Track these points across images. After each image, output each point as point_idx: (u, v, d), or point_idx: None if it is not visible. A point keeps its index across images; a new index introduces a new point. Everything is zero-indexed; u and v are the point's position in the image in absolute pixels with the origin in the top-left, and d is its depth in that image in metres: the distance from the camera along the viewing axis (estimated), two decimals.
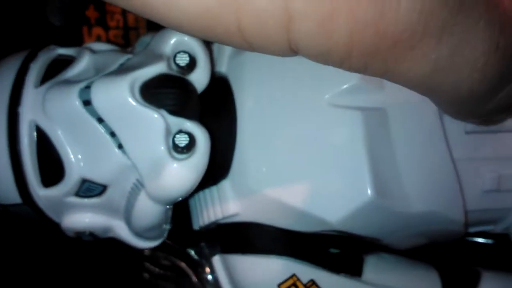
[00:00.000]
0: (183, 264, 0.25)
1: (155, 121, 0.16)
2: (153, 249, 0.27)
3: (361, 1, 0.11)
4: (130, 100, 0.16)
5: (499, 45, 0.13)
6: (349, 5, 0.11)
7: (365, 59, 0.12)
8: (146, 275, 0.27)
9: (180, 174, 0.16)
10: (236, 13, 0.11)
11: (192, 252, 0.25)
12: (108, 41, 0.28)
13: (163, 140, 0.16)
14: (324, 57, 0.12)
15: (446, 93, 0.14)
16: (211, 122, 0.18)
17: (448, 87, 0.13)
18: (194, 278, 0.24)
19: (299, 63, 0.18)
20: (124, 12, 0.28)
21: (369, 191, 0.17)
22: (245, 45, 0.12)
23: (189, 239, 0.24)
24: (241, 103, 0.19)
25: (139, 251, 0.27)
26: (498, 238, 0.24)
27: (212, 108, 0.19)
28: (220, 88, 0.19)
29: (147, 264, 0.27)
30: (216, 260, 0.20)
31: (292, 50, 0.12)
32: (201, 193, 0.20)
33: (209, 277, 0.24)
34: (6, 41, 0.27)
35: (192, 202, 0.21)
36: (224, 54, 0.20)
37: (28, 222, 0.22)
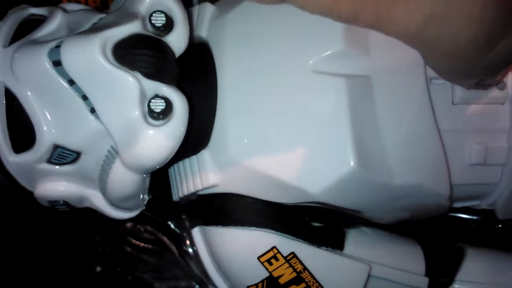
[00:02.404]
0: (164, 238, 0.24)
1: (129, 84, 0.15)
2: (135, 223, 0.27)
3: None
4: (102, 60, 0.15)
5: None
6: None
7: (355, 5, 0.12)
8: (128, 248, 0.27)
9: (156, 141, 0.16)
10: None
11: (172, 225, 0.24)
12: (86, 5, 0.27)
13: (138, 104, 0.16)
14: (312, 2, 0.12)
15: (443, 44, 0.13)
16: (189, 88, 0.18)
17: (445, 36, 0.13)
18: (175, 251, 0.24)
19: (282, 26, 0.17)
20: None
21: (351, 162, 0.16)
22: None
23: (170, 211, 0.24)
24: (221, 69, 0.18)
25: (121, 225, 0.27)
26: (483, 214, 0.24)
27: (191, 74, 0.18)
28: (200, 52, 0.19)
29: (129, 238, 0.27)
30: (196, 232, 0.20)
31: None
32: (180, 163, 0.20)
33: (190, 250, 0.23)
34: None
35: (171, 172, 0.21)
36: (204, 18, 0.19)
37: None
